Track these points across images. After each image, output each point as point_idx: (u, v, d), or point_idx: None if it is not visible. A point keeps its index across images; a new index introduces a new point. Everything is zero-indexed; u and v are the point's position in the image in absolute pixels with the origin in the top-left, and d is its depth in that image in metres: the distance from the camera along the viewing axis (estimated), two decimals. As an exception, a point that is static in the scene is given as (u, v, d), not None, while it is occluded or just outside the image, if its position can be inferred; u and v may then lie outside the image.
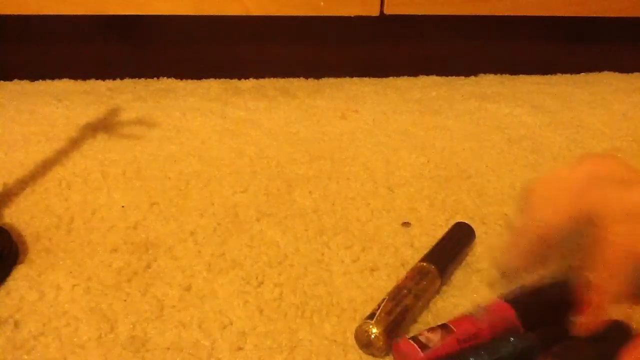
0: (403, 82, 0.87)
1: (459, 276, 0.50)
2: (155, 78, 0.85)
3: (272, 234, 0.54)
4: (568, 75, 0.91)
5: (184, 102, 0.78)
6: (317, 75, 0.87)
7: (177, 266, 0.50)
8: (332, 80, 0.87)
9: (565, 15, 0.82)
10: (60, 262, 0.50)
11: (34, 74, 0.83)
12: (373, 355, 0.42)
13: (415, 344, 0.40)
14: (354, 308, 0.46)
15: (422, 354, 0.39)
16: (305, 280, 0.49)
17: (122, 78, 0.84)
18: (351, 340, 0.44)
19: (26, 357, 0.42)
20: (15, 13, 0.74)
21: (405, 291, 0.45)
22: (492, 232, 0.55)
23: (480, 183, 0.63)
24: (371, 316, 0.43)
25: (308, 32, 0.85)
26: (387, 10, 0.79)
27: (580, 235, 0.34)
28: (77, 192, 0.59)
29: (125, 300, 0.46)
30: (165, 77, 0.85)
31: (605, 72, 0.92)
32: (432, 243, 0.54)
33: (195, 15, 0.76)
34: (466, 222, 0.54)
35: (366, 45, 0.87)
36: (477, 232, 0.55)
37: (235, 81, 0.85)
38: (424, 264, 0.48)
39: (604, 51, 0.92)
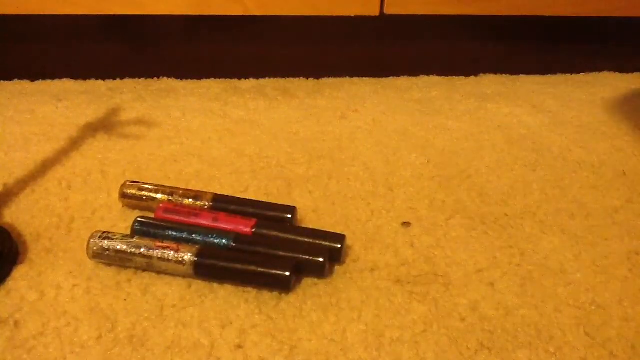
0: (403, 82, 0.87)
1: (460, 276, 0.50)
2: (155, 78, 0.85)
3: (272, 234, 0.54)
4: (568, 75, 0.91)
5: (184, 102, 0.78)
6: (317, 75, 0.87)
7: (177, 266, 0.50)
8: (332, 80, 0.87)
9: (565, 15, 0.82)
10: (60, 262, 0.50)
11: (34, 74, 0.83)
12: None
13: None
14: (354, 308, 0.47)
15: None
16: (305, 280, 0.49)
17: (122, 78, 0.84)
18: (351, 340, 0.44)
19: (26, 357, 0.42)
20: (15, 13, 0.74)
21: None
22: (492, 232, 0.55)
23: (480, 183, 0.63)
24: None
25: (308, 32, 0.85)
26: (387, 10, 0.79)
27: None
28: (77, 192, 0.59)
29: (125, 300, 0.46)
30: (165, 77, 0.85)
31: (605, 72, 0.92)
32: (432, 243, 0.54)
33: (195, 15, 0.76)
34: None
35: (366, 45, 0.87)
36: (477, 232, 0.55)
37: (235, 81, 0.85)
38: None
39: (604, 51, 0.92)
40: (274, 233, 0.52)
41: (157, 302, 0.46)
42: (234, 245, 0.50)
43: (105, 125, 0.72)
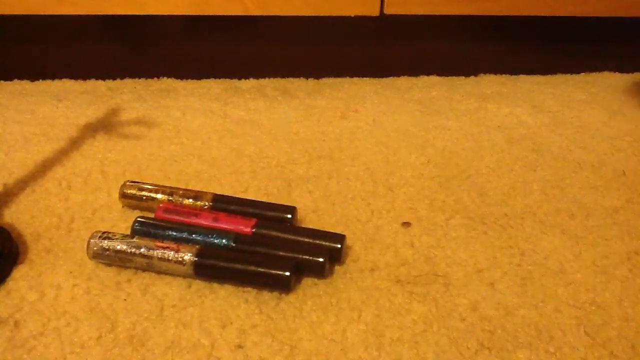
0: (403, 82, 0.87)
1: (460, 276, 0.50)
2: (155, 78, 0.85)
3: (272, 234, 0.54)
4: (568, 75, 0.91)
5: (184, 102, 0.78)
6: (317, 75, 0.87)
7: (177, 266, 0.50)
8: (332, 80, 0.87)
9: (566, 15, 0.82)
10: (60, 262, 0.50)
11: (34, 74, 0.83)
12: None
13: None
14: (354, 308, 0.47)
15: None
16: (304, 280, 0.49)
17: (122, 78, 0.84)
18: (351, 340, 0.44)
19: (26, 357, 0.42)
20: (15, 13, 0.74)
21: None
22: (492, 232, 0.55)
23: (480, 183, 0.63)
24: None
25: (308, 32, 0.85)
26: (387, 10, 0.79)
27: None
28: (77, 192, 0.59)
29: (125, 300, 0.46)
30: (165, 77, 0.85)
31: (605, 72, 0.92)
32: (432, 243, 0.54)
33: (195, 15, 0.76)
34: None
35: (366, 45, 0.87)
36: (477, 232, 0.55)
37: (235, 81, 0.85)
38: None
39: (604, 51, 0.92)
40: (274, 233, 0.52)
41: (157, 302, 0.46)
42: (234, 245, 0.50)
43: (105, 125, 0.72)
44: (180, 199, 0.55)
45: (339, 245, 0.51)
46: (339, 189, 0.61)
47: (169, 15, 0.76)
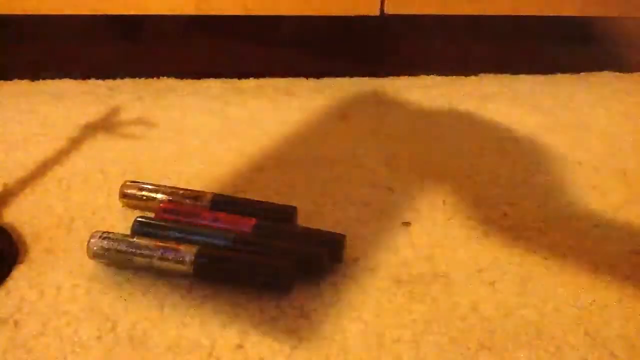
0: (403, 82, 0.87)
1: (460, 276, 0.50)
2: (155, 78, 0.85)
3: (272, 234, 0.54)
4: (568, 75, 0.91)
5: (184, 102, 0.78)
6: (317, 75, 0.87)
7: (177, 266, 0.50)
8: (332, 80, 0.87)
9: (565, 15, 0.82)
10: (60, 262, 0.50)
11: (34, 74, 0.83)
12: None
13: None
14: (354, 308, 0.47)
15: None
16: (305, 280, 0.49)
17: (122, 78, 0.84)
18: (351, 340, 0.44)
19: (26, 357, 0.42)
20: (15, 13, 0.74)
21: None
22: (492, 232, 0.55)
23: (480, 183, 0.63)
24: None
25: (309, 32, 0.85)
26: (387, 10, 0.79)
27: None
28: (77, 192, 0.59)
29: (125, 300, 0.46)
30: (165, 77, 0.85)
31: (605, 72, 0.92)
32: (432, 243, 0.54)
33: (195, 15, 0.76)
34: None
35: (366, 45, 0.87)
36: (477, 232, 0.55)
37: (235, 81, 0.85)
38: None
39: (604, 51, 0.92)
40: (274, 233, 0.52)
41: (158, 302, 0.46)
42: (234, 245, 0.50)
43: (105, 125, 0.72)
44: (180, 199, 0.55)
45: (339, 245, 0.51)
46: (339, 189, 0.61)
47: (169, 15, 0.76)
